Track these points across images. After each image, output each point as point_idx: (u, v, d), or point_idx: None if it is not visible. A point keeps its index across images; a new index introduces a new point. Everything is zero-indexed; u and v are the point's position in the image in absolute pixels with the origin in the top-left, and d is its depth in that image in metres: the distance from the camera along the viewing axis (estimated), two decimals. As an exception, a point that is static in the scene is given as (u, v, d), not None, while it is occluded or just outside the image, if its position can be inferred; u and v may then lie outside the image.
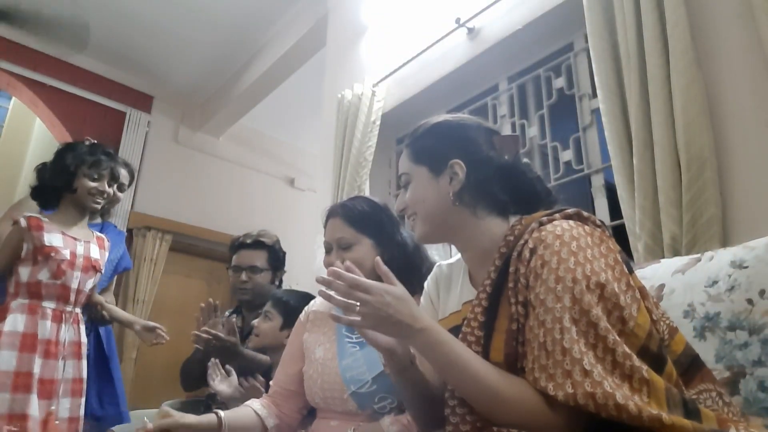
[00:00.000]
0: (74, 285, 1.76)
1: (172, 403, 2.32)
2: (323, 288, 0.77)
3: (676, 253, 1.31)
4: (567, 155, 2.01)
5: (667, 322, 0.77)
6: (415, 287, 1.06)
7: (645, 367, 0.64)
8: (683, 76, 1.39)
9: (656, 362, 0.68)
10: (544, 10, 1.99)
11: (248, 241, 1.98)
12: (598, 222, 0.81)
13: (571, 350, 0.65)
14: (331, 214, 1.27)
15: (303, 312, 1.37)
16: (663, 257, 1.30)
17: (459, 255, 1.00)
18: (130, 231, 4.17)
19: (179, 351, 4.12)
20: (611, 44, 1.61)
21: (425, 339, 0.74)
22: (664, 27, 1.46)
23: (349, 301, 0.75)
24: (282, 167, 5.27)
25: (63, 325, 1.73)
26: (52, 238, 1.72)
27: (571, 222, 0.77)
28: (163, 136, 4.59)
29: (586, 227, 0.77)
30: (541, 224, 0.78)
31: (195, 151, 4.75)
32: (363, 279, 0.75)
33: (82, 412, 1.73)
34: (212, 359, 1.57)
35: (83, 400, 1.74)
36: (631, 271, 0.76)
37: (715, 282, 0.95)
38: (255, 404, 1.24)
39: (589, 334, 0.66)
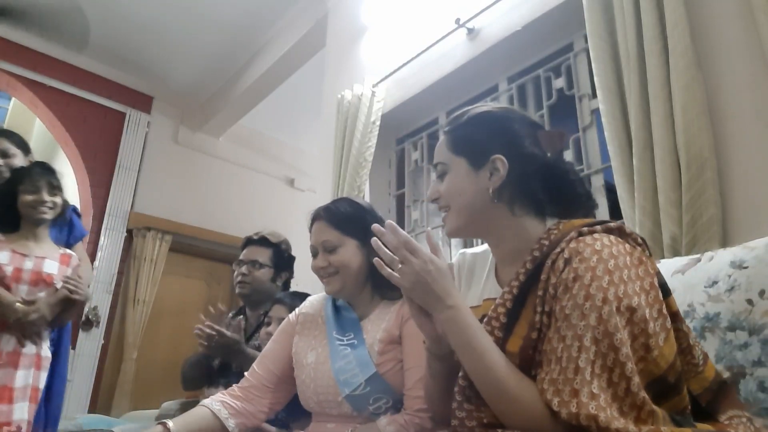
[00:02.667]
0: (20, 298, 1.84)
1: (172, 404, 2.32)
2: (376, 238, 0.79)
3: (676, 253, 1.31)
4: (567, 155, 2.01)
5: (700, 347, 0.76)
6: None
7: (649, 400, 0.64)
8: (683, 77, 1.39)
9: (666, 392, 0.68)
10: (544, 10, 1.99)
11: (255, 237, 2.02)
12: (639, 240, 0.78)
13: (584, 370, 0.64)
14: (316, 217, 1.26)
15: (293, 313, 1.35)
16: (663, 257, 1.30)
17: (484, 246, 0.97)
18: (129, 231, 4.17)
19: (179, 351, 4.14)
20: (611, 44, 1.61)
21: (452, 316, 0.74)
22: (664, 27, 1.46)
23: (395, 257, 0.77)
24: (282, 167, 5.27)
25: (3, 336, 1.80)
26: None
27: (612, 237, 0.74)
28: (163, 137, 4.59)
29: (627, 245, 0.74)
30: (581, 234, 0.75)
31: (195, 151, 4.75)
32: (415, 242, 0.77)
33: (15, 416, 1.76)
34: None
35: (17, 406, 1.77)
36: (667, 295, 0.74)
37: (715, 282, 0.95)
38: (214, 405, 1.18)
39: (608, 357, 0.64)
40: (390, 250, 0.78)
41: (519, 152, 0.85)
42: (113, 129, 4.28)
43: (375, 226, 0.80)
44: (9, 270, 1.83)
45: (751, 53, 1.35)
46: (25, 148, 2.08)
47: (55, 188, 1.98)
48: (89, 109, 4.21)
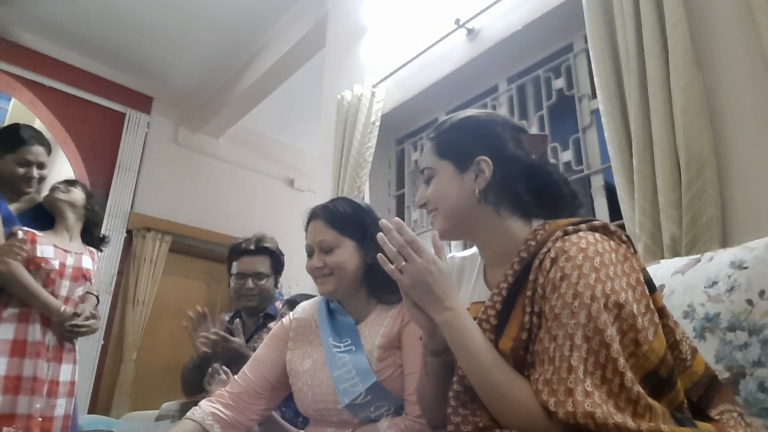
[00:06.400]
0: (63, 293, 1.89)
1: (172, 405, 2.33)
2: (382, 233, 0.79)
3: (675, 253, 1.30)
4: (567, 156, 2.01)
5: (688, 342, 0.76)
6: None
7: (645, 395, 0.64)
8: (683, 77, 1.39)
9: (661, 387, 0.68)
10: (544, 10, 1.99)
11: (251, 247, 1.95)
12: (624, 237, 0.78)
13: (577, 369, 0.64)
14: (313, 216, 1.22)
15: (286, 317, 1.31)
16: (663, 258, 1.30)
17: (473, 249, 0.98)
18: (129, 232, 4.17)
19: (179, 352, 4.14)
20: (611, 45, 1.61)
21: (449, 318, 0.75)
22: (664, 28, 1.46)
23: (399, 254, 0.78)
24: (282, 168, 5.27)
25: (49, 330, 1.85)
26: (44, 249, 1.87)
27: (596, 235, 0.75)
28: (163, 137, 4.59)
29: (612, 242, 0.75)
30: (566, 233, 0.76)
31: (195, 152, 4.75)
32: (420, 241, 0.78)
33: (57, 412, 1.82)
34: (213, 364, 1.55)
35: (60, 401, 1.83)
36: (653, 291, 0.74)
37: (714, 283, 0.95)
38: (206, 420, 1.12)
39: (600, 354, 0.65)
40: (395, 248, 0.78)
41: (503, 154, 0.87)
42: (113, 129, 4.28)
43: (382, 222, 0.80)
44: (56, 264, 1.87)
45: (750, 53, 1.35)
46: (50, 152, 2.09)
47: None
48: (89, 110, 4.21)
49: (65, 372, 1.87)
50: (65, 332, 1.87)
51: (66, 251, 1.93)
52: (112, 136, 4.26)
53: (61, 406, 1.83)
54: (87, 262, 1.98)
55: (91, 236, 2.09)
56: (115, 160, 4.21)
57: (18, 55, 3.91)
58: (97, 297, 2.06)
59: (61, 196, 1.97)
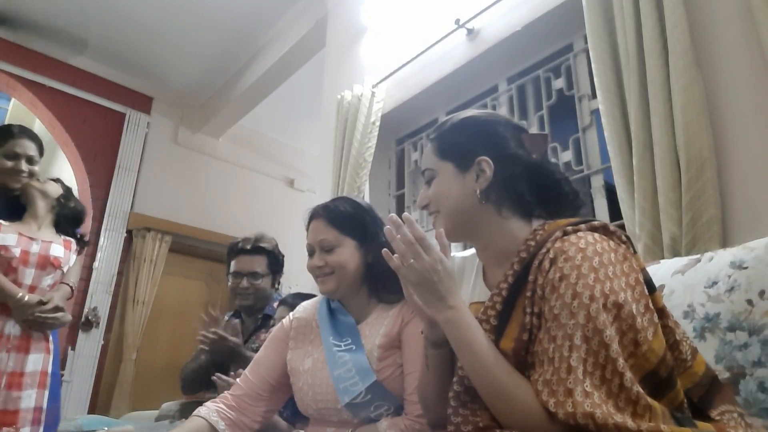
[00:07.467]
0: (27, 281, 1.84)
1: (172, 405, 2.32)
2: (390, 226, 0.79)
3: (675, 253, 1.30)
4: (567, 156, 2.01)
5: (689, 342, 0.76)
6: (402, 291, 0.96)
7: (644, 395, 0.64)
8: (683, 77, 1.39)
9: (660, 387, 0.67)
10: (544, 10, 1.99)
11: (248, 246, 1.96)
12: (624, 237, 0.78)
13: (577, 369, 0.64)
14: (314, 215, 1.23)
15: (286, 318, 1.32)
16: (663, 258, 1.30)
17: (473, 249, 0.98)
18: (129, 232, 4.17)
19: (179, 352, 4.15)
20: (611, 45, 1.61)
21: (452, 316, 0.76)
22: (664, 28, 1.46)
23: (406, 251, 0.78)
24: (282, 168, 5.27)
25: (10, 320, 1.79)
26: (6, 237, 1.84)
27: (596, 235, 0.75)
28: (163, 137, 4.59)
29: (611, 242, 0.75)
30: (565, 233, 0.76)
31: (194, 152, 4.75)
32: (429, 240, 0.78)
33: (23, 405, 1.75)
34: (215, 375, 1.56)
35: (26, 393, 1.77)
36: (653, 291, 0.74)
37: (714, 283, 0.95)
38: (212, 416, 1.14)
39: (600, 354, 0.65)
40: (403, 244, 0.78)
41: (504, 154, 0.87)
42: (113, 129, 4.28)
43: (392, 216, 0.80)
44: (17, 252, 1.82)
45: (751, 53, 1.35)
46: (42, 152, 2.09)
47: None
48: (89, 110, 4.21)
49: (33, 362, 1.80)
50: (29, 321, 1.79)
51: (31, 239, 1.88)
52: (112, 136, 4.26)
53: (28, 398, 1.76)
54: (57, 250, 1.93)
55: (66, 230, 2.04)
56: (115, 160, 4.21)
57: (18, 55, 3.91)
58: (71, 288, 2.00)
59: (35, 183, 1.96)
